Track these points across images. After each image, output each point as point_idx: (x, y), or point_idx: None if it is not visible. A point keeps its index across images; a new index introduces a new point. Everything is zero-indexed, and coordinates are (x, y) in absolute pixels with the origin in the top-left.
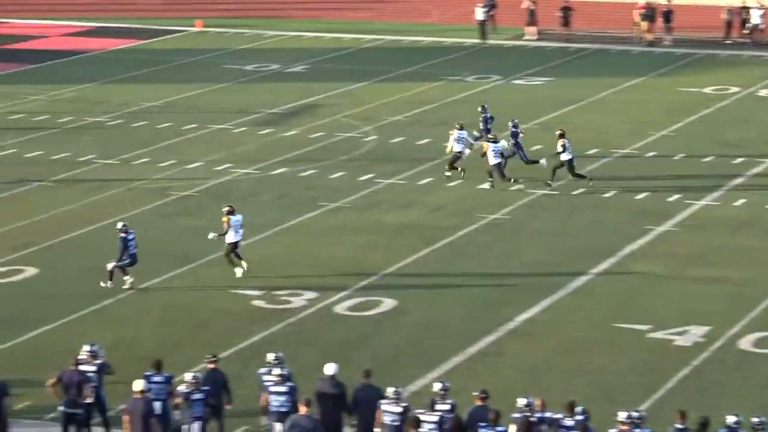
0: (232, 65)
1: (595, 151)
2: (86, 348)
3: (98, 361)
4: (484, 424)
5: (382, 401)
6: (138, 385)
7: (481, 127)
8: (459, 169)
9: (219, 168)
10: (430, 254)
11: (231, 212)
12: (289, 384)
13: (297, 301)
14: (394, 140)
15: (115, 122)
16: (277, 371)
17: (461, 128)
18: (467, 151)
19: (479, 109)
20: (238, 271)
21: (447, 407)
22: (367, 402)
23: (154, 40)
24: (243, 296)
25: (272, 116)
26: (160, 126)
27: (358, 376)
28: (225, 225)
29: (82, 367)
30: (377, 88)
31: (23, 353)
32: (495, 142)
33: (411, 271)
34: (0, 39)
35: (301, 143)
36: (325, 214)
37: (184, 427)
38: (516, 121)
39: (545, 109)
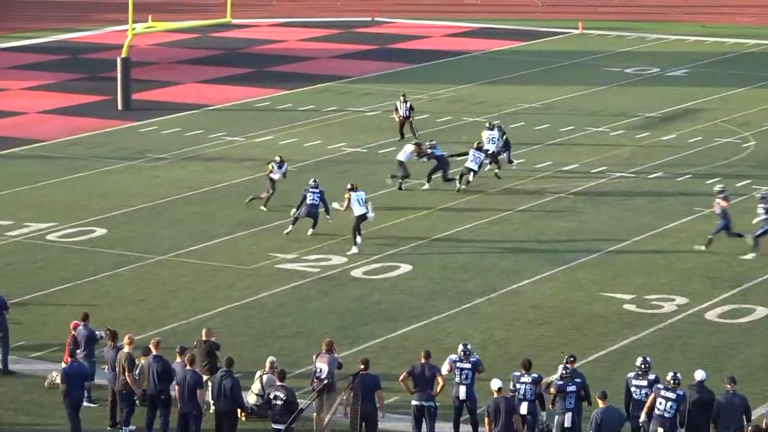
0: (613, 68)
1: None
2: (460, 347)
3: (473, 359)
4: None
5: None
6: (495, 384)
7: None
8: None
9: (594, 170)
10: None
11: (352, 189)
12: (679, 392)
13: (668, 306)
14: None
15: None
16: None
17: (492, 128)
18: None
19: (487, 125)
20: (353, 249)
21: None
22: (728, 410)
23: (535, 41)
24: (614, 299)
25: (650, 120)
26: (538, 127)
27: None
28: (346, 200)
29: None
30: (757, 94)
31: (395, 347)
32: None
33: None
34: (385, 39)
35: (679, 148)
36: (699, 220)
37: (558, 418)
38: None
39: None
